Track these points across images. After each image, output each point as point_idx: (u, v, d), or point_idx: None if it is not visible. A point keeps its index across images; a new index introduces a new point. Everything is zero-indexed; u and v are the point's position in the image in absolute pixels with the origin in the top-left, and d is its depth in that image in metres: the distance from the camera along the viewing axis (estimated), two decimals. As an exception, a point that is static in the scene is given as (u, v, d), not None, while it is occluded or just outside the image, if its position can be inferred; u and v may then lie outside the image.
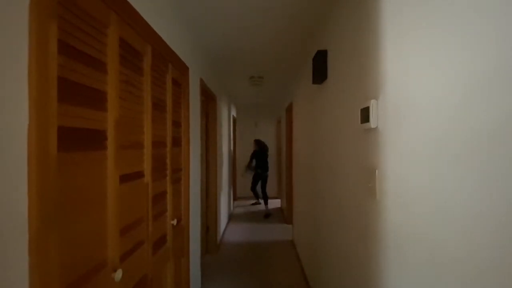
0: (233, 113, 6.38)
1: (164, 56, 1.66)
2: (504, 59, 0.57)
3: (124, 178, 1.18)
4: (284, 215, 5.63)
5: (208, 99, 3.63)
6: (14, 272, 0.67)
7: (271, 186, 7.55)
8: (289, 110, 4.69)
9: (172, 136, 1.82)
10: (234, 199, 6.99)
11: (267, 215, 5.84)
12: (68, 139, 0.85)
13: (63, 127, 0.82)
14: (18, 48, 0.68)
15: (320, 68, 2.13)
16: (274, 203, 6.95)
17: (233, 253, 3.91)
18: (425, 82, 0.85)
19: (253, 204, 6.90)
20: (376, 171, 1.20)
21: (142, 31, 1.34)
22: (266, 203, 6.03)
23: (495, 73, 0.60)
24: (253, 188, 6.35)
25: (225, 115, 4.93)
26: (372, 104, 1.21)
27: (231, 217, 5.78)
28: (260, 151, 6.15)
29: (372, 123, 1.21)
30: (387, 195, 1.11)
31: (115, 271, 1.08)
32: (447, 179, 0.75)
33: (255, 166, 6.19)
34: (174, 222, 1.82)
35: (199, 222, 2.75)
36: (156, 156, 1.55)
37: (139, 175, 1.34)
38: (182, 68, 2.05)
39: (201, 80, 2.76)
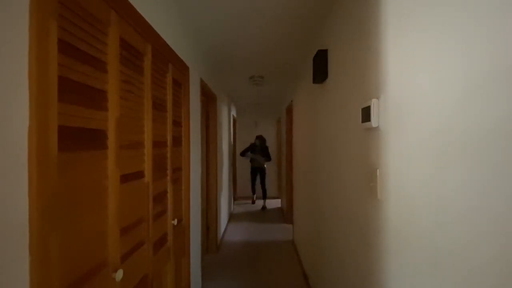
0: (233, 113, 6.38)
1: (165, 55, 1.66)
2: (506, 59, 0.57)
3: (125, 178, 1.18)
4: (284, 215, 5.63)
5: (208, 99, 3.63)
6: (15, 272, 0.67)
7: (271, 186, 7.56)
8: (289, 109, 4.68)
9: (172, 135, 1.81)
10: (234, 199, 7.00)
11: (264, 208, 6.50)
12: (68, 138, 0.84)
13: (64, 127, 0.82)
14: (19, 47, 0.68)
15: (320, 68, 2.13)
16: (274, 203, 6.96)
17: (233, 252, 3.91)
18: (426, 81, 0.85)
19: (252, 203, 6.96)
20: (377, 170, 1.20)
21: (143, 31, 1.34)
22: (264, 197, 6.62)
23: (497, 72, 0.59)
24: (253, 187, 6.95)
25: (225, 115, 4.93)
26: (373, 103, 1.21)
27: (232, 217, 5.78)
28: (258, 146, 6.62)
29: (373, 122, 1.21)
30: (388, 194, 1.11)
31: (115, 271, 1.08)
32: (449, 179, 0.74)
33: (250, 159, 6.73)
34: (175, 222, 1.82)
35: (200, 222, 2.74)
36: (157, 155, 1.54)
37: (140, 175, 1.34)
38: (182, 68, 2.05)
39: (201, 80, 2.75)
